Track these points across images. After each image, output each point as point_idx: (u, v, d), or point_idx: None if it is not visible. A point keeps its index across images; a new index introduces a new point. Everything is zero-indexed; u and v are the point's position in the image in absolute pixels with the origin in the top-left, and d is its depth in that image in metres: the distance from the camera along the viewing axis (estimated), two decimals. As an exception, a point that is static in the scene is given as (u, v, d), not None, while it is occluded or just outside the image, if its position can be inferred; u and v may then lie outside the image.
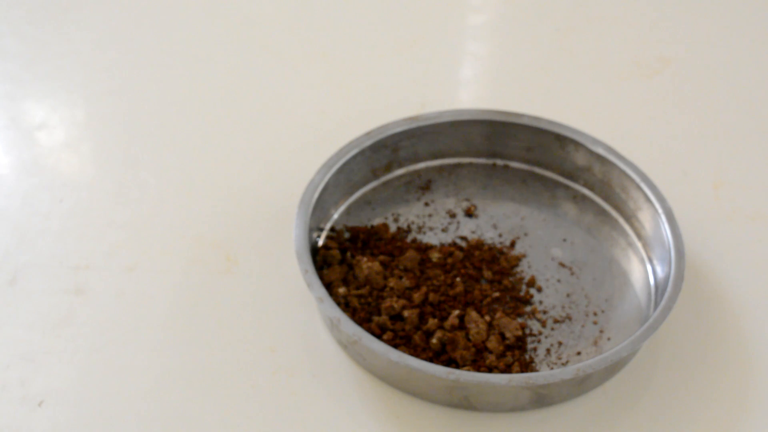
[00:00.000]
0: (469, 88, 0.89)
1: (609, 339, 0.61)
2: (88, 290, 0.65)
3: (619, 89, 0.85)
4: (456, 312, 0.61)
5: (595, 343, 0.61)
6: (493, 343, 0.59)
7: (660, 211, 0.64)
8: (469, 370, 0.57)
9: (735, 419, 0.58)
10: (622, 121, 0.81)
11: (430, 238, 0.68)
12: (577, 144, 0.70)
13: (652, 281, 0.64)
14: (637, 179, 0.66)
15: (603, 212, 0.70)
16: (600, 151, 0.68)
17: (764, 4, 0.94)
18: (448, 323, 0.60)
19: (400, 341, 0.60)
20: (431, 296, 0.62)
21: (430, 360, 0.59)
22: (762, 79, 0.86)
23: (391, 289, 0.63)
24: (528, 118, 0.71)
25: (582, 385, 0.57)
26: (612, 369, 0.58)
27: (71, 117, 0.81)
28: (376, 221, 0.69)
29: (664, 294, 0.59)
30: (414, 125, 0.71)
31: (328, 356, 0.60)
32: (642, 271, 0.65)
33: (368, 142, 0.69)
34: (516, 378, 0.54)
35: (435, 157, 0.74)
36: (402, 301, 0.61)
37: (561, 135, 0.70)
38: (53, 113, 0.81)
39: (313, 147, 0.72)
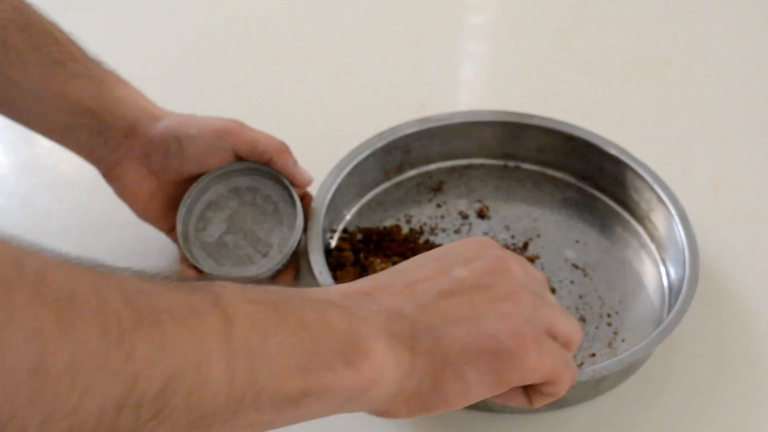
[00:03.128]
0: (470, 88, 0.89)
1: (623, 341, 0.61)
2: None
3: (618, 89, 0.85)
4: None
5: (610, 344, 0.61)
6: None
7: (673, 212, 0.64)
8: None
9: (750, 422, 0.58)
10: (621, 121, 0.81)
11: (443, 240, 0.68)
12: (588, 145, 0.69)
13: (665, 282, 0.64)
14: (650, 180, 0.66)
15: (615, 213, 0.70)
16: (612, 151, 0.68)
17: (764, 4, 0.94)
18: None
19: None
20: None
21: None
22: (762, 79, 0.86)
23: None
24: (539, 119, 0.71)
25: (597, 387, 0.57)
26: (627, 371, 0.58)
27: None
28: (389, 222, 0.69)
29: (677, 295, 0.59)
30: (425, 126, 0.71)
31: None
32: (655, 272, 0.65)
33: (380, 144, 0.69)
34: (532, 380, 0.54)
35: (446, 158, 0.73)
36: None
37: (572, 136, 0.70)
38: None
39: (313, 148, 0.72)
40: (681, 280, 0.60)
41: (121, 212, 0.70)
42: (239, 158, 0.62)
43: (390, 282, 0.42)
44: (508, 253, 0.45)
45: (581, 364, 0.59)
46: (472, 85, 0.89)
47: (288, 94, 0.83)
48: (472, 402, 0.40)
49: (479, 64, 0.91)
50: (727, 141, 0.79)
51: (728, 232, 0.69)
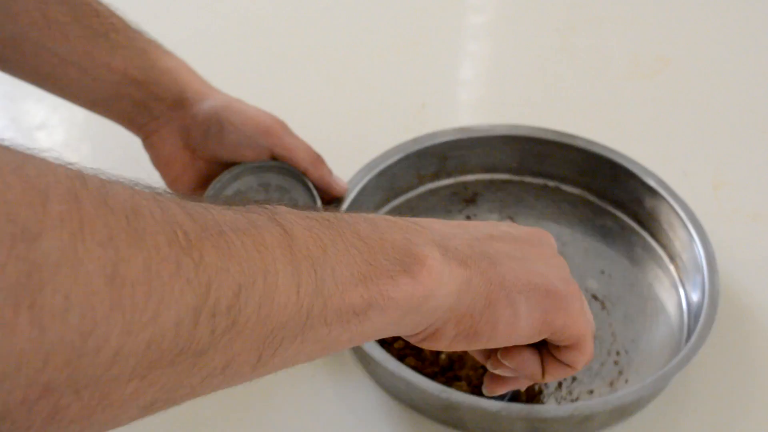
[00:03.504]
0: (470, 88, 0.88)
1: (626, 381, 0.58)
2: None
3: (618, 89, 0.84)
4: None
5: (611, 384, 0.58)
6: (503, 368, 0.58)
7: (701, 254, 0.60)
8: (466, 391, 0.56)
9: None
10: (621, 120, 0.80)
11: (464, 253, 0.67)
12: (628, 173, 0.66)
13: (685, 326, 0.61)
14: (684, 217, 0.62)
15: (649, 248, 0.66)
16: (651, 183, 0.65)
17: (764, 4, 0.93)
18: (462, 341, 0.59)
19: (410, 351, 0.59)
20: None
21: (435, 375, 0.58)
22: (762, 79, 0.85)
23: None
24: (582, 141, 0.68)
25: (583, 426, 0.55)
26: (620, 413, 0.55)
27: (71, 117, 0.80)
28: (414, 228, 0.68)
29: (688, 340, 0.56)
30: (464, 135, 0.70)
31: (337, 355, 0.60)
32: (678, 315, 0.62)
33: (414, 148, 0.68)
34: (508, 408, 0.52)
35: (485, 170, 0.72)
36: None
37: (614, 162, 0.67)
38: (53, 113, 0.80)
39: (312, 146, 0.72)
40: (696, 324, 0.57)
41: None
42: (274, 158, 0.62)
43: (438, 222, 0.42)
44: None
45: (576, 398, 0.57)
46: (472, 85, 0.89)
47: (287, 94, 0.82)
48: (516, 339, 0.40)
49: (479, 64, 0.91)
50: (727, 141, 0.78)
51: (728, 232, 0.67)
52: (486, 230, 0.42)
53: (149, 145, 0.64)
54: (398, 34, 0.91)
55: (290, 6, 0.95)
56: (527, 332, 0.40)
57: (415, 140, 0.69)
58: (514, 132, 0.70)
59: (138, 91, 0.61)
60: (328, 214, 0.37)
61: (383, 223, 0.38)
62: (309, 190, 0.62)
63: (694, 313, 0.60)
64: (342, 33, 0.92)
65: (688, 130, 0.79)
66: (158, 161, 0.64)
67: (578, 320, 0.41)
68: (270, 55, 0.88)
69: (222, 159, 0.63)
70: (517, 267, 0.40)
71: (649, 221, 0.67)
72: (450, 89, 0.87)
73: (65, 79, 0.60)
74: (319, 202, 0.62)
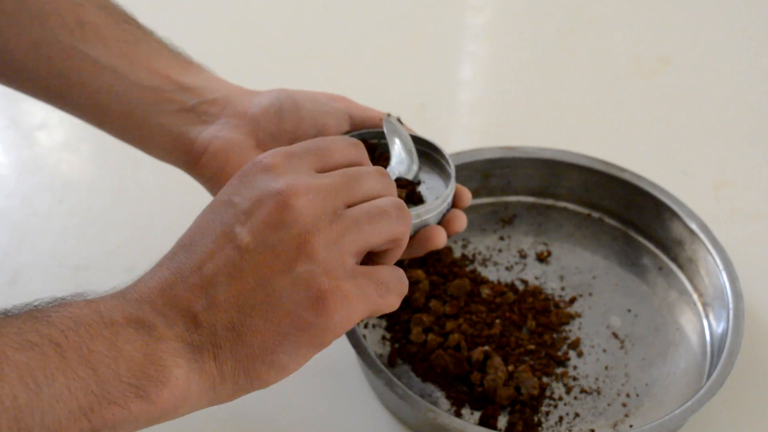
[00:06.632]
0: (470, 88, 0.88)
1: (631, 426, 0.56)
2: (88, 290, 0.64)
3: (618, 89, 0.84)
4: (480, 349, 0.58)
5: (615, 426, 0.56)
6: (505, 394, 0.57)
7: (731, 306, 0.57)
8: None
9: None
10: (621, 120, 0.79)
11: (490, 273, 0.66)
12: (673, 213, 0.64)
13: (704, 379, 0.58)
14: (721, 266, 0.60)
15: (684, 292, 0.64)
16: (693, 226, 0.62)
17: (764, 3, 0.92)
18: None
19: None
20: (466, 329, 0.60)
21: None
22: (762, 79, 0.84)
23: (429, 309, 0.61)
24: (630, 175, 0.66)
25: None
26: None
27: (71, 117, 0.77)
28: (445, 242, 0.68)
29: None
30: (509, 155, 0.69)
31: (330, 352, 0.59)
32: (699, 366, 0.59)
33: (455, 162, 0.68)
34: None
35: (529, 193, 0.71)
36: (432, 336, 0.60)
37: (658, 200, 0.65)
38: (53, 113, 0.78)
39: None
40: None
41: (121, 212, 0.72)
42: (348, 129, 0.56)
43: (184, 266, 0.40)
44: (289, 182, 0.40)
45: (574, 436, 0.56)
46: (472, 85, 0.89)
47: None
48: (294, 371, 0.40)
49: (479, 64, 0.91)
50: (727, 141, 0.77)
51: (728, 232, 0.65)
52: (224, 263, 0.39)
53: (207, 161, 0.53)
54: (398, 34, 0.92)
55: (290, 6, 0.96)
56: (303, 363, 0.40)
57: (457, 154, 0.68)
58: (560, 157, 0.68)
59: (183, 94, 0.54)
60: (59, 330, 0.35)
61: (125, 334, 0.36)
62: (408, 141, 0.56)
63: (716, 367, 0.57)
64: (342, 32, 0.92)
65: (687, 130, 0.79)
66: (224, 174, 0.53)
67: (350, 320, 0.39)
68: (269, 54, 0.89)
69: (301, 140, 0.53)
70: (263, 323, 0.39)
71: (688, 265, 0.64)
72: (450, 89, 0.87)
73: (96, 85, 0.53)
74: (435, 146, 0.57)
